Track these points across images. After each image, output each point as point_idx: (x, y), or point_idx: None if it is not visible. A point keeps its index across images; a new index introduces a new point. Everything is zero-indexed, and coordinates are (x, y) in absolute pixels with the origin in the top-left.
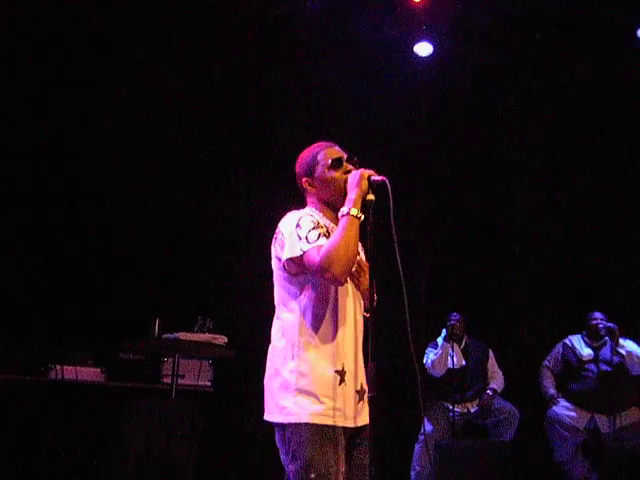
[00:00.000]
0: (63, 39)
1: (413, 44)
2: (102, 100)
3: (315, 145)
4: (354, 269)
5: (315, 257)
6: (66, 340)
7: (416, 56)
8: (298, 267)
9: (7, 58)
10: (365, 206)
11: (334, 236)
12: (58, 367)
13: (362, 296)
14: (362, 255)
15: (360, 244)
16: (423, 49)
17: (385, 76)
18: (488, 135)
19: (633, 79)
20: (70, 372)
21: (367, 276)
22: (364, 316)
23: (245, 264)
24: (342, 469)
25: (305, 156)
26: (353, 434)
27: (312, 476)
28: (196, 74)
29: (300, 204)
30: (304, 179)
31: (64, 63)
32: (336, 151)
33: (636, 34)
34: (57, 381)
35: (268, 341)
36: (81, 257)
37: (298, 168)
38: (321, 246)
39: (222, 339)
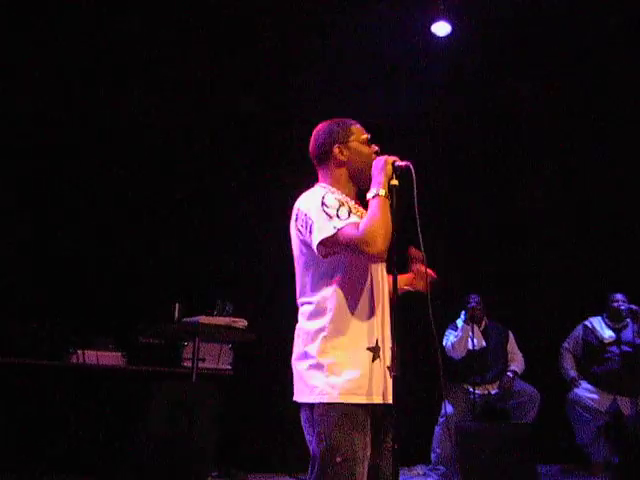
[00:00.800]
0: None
1: (431, 23)
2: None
3: (343, 118)
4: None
5: (355, 232)
6: (87, 325)
7: (434, 35)
8: (330, 247)
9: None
10: (389, 191)
11: (372, 213)
12: (79, 351)
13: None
14: None
15: None
16: (441, 29)
17: (402, 56)
18: (504, 118)
19: None
20: (91, 357)
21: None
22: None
23: (264, 247)
24: (367, 454)
25: (336, 124)
26: (381, 415)
27: (338, 459)
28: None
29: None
30: (336, 145)
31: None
32: (363, 129)
33: None
34: (79, 365)
35: (288, 324)
36: (102, 242)
37: (326, 136)
38: (356, 222)
39: (242, 322)
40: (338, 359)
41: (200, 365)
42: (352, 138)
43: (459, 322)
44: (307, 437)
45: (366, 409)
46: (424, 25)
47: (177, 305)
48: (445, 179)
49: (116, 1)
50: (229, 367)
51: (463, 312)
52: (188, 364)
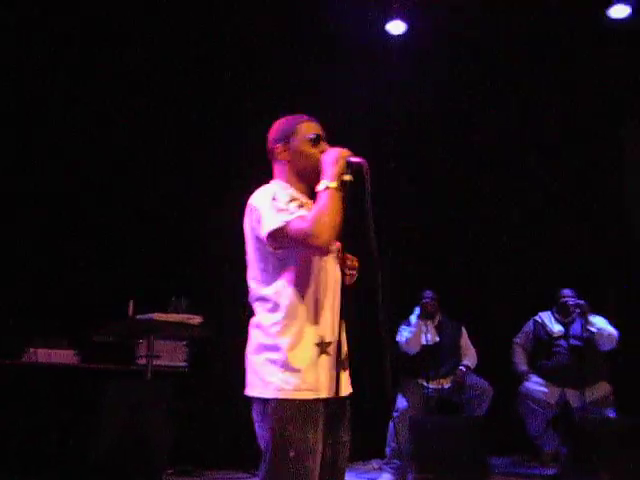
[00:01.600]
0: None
1: (385, 22)
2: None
3: (297, 115)
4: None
5: (302, 224)
6: (40, 323)
7: (388, 34)
8: (279, 240)
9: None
10: (342, 186)
11: (319, 205)
12: (32, 350)
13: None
14: None
15: None
16: (396, 27)
17: (357, 56)
18: (463, 114)
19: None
20: (44, 355)
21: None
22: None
23: (218, 243)
24: (320, 448)
25: (284, 122)
26: (336, 410)
27: (291, 454)
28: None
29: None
30: (278, 145)
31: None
32: (316, 127)
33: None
34: (31, 364)
35: (242, 320)
36: (54, 239)
37: (273, 133)
38: (304, 215)
39: (197, 319)
40: (290, 354)
41: (154, 362)
42: (296, 137)
43: (413, 318)
44: (258, 431)
45: (318, 404)
46: (379, 23)
47: (131, 302)
48: (398, 176)
49: None
50: (184, 364)
51: (417, 308)
52: (142, 362)
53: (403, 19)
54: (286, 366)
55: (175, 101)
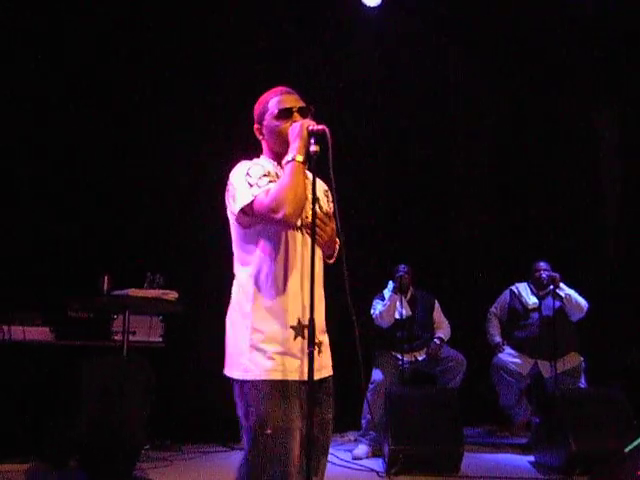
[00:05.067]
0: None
1: None
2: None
3: (273, 90)
4: (318, 222)
5: (264, 199)
6: (12, 300)
7: (364, 6)
8: (251, 216)
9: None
10: (309, 158)
11: (281, 179)
12: (5, 328)
13: (321, 250)
14: (323, 205)
15: (321, 196)
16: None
17: (333, 27)
18: (438, 86)
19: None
20: (18, 332)
21: (328, 228)
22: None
23: (194, 217)
24: (299, 425)
25: (260, 102)
26: (317, 389)
27: (268, 431)
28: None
29: (254, 153)
30: (255, 126)
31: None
32: (290, 99)
33: None
34: (5, 342)
35: (219, 295)
36: (26, 214)
37: (254, 114)
38: (269, 189)
39: (172, 294)
40: (260, 336)
41: (131, 338)
42: (267, 116)
43: (386, 292)
44: (238, 411)
45: (293, 385)
46: None
47: (106, 277)
48: (373, 148)
49: None
50: (160, 339)
51: (391, 282)
52: (119, 337)
53: None
54: (255, 347)
55: (158, 77)
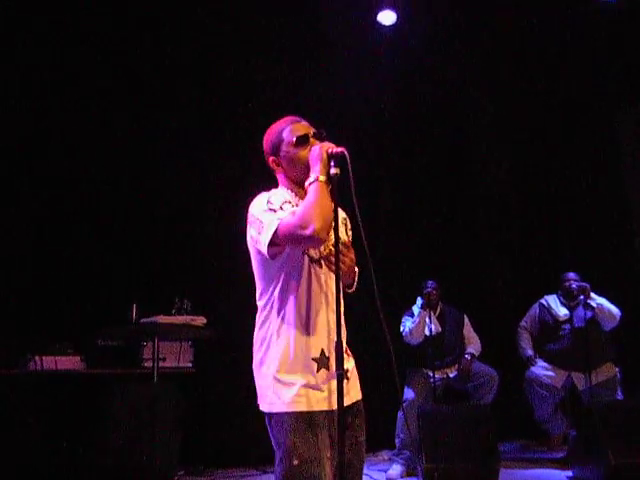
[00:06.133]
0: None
1: (377, 12)
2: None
3: (281, 121)
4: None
5: (291, 220)
6: (44, 330)
7: (380, 24)
8: (278, 243)
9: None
10: (330, 180)
11: (306, 198)
12: (37, 358)
13: (342, 277)
14: (342, 235)
15: (340, 225)
16: (387, 17)
17: (349, 45)
18: (454, 104)
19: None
20: (49, 362)
21: (346, 259)
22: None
23: (221, 244)
24: (327, 454)
25: (271, 133)
26: (346, 416)
27: (295, 462)
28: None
29: (273, 181)
30: (271, 158)
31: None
32: (302, 126)
33: None
34: (37, 372)
35: (246, 319)
36: (55, 245)
37: (265, 146)
38: (294, 211)
39: (201, 320)
40: (282, 367)
41: (161, 365)
42: (283, 146)
43: (415, 308)
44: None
45: (319, 415)
46: (370, 14)
47: (134, 305)
48: (394, 164)
49: None
50: (190, 365)
51: (419, 298)
52: (149, 364)
53: (394, 9)
54: (278, 380)
55: (177, 104)
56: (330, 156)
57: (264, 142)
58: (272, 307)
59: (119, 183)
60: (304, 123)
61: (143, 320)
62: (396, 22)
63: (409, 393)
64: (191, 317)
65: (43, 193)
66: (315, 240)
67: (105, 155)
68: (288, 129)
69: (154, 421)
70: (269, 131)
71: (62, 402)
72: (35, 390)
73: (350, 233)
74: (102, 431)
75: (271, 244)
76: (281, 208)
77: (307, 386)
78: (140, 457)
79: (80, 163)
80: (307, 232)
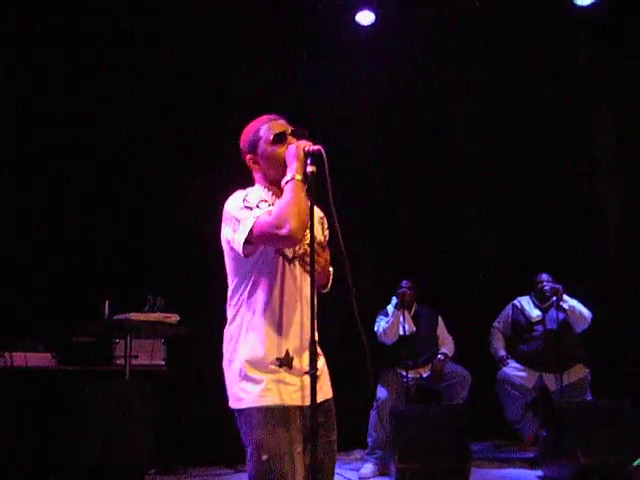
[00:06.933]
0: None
1: (355, 12)
2: None
3: (258, 119)
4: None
5: (267, 218)
6: (14, 326)
7: (358, 25)
8: (254, 241)
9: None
10: (307, 178)
11: (282, 197)
12: (7, 354)
13: (317, 276)
14: (317, 235)
15: (316, 224)
16: (365, 18)
17: (326, 46)
18: (434, 104)
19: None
20: (20, 359)
21: (320, 259)
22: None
23: (194, 241)
24: (298, 449)
25: (248, 131)
26: (315, 413)
27: (264, 458)
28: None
29: (248, 180)
30: (248, 156)
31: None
32: (280, 125)
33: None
34: (7, 369)
35: (220, 317)
36: (27, 241)
37: (242, 144)
38: (270, 210)
39: (174, 317)
40: (249, 365)
41: (133, 362)
42: (260, 143)
43: (390, 308)
44: (242, 436)
45: (287, 410)
46: (348, 14)
47: (107, 302)
48: (370, 164)
49: None
50: (162, 362)
51: (394, 297)
52: (121, 362)
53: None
54: (244, 377)
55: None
56: (307, 154)
57: (241, 140)
58: (243, 304)
59: (91, 181)
60: (282, 121)
61: (115, 317)
62: (374, 22)
63: (382, 392)
64: (164, 314)
65: (13, 192)
66: (291, 240)
67: (77, 155)
68: (265, 127)
69: (126, 419)
70: (246, 129)
71: (32, 399)
72: (5, 387)
73: (327, 232)
74: (73, 429)
75: (246, 242)
76: (257, 206)
77: (275, 381)
78: (111, 455)
79: (53, 162)
80: (283, 232)
